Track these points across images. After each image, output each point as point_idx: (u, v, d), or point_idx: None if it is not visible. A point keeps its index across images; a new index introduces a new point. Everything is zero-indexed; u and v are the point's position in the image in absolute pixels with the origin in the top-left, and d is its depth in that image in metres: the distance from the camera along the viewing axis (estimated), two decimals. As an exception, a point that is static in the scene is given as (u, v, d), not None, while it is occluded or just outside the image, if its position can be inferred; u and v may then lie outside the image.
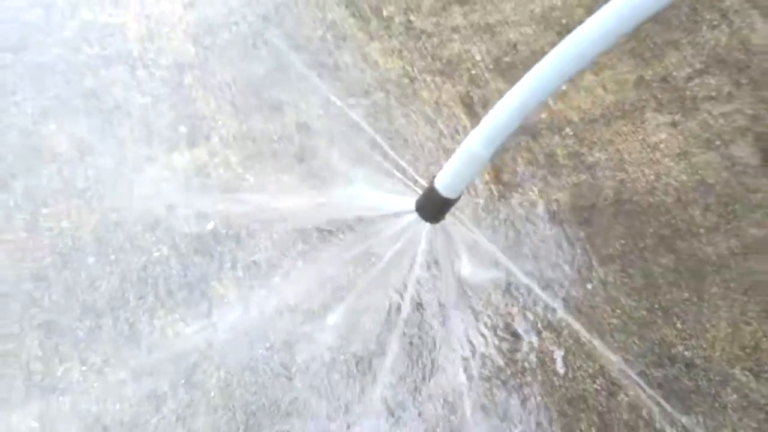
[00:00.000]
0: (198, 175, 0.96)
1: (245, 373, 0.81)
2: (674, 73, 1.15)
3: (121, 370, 0.80)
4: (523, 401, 0.83)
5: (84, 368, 0.80)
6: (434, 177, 0.66)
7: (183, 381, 0.80)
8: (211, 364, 0.81)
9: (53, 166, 0.94)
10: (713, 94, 1.13)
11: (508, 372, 0.84)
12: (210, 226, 0.91)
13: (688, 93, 1.13)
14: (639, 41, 1.18)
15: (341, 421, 0.80)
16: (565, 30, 1.10)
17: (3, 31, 1.06)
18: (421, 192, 0.70)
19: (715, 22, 1.21)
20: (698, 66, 1.16)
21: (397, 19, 1.16)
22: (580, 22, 0.57)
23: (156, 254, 0.88)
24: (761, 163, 1.06)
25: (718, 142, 1.08)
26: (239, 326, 0.84)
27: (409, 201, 0.71)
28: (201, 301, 0.86)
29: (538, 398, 0.83)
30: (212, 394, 0.80)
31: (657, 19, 1.22)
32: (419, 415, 0.81)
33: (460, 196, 0.67)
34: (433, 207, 0.68)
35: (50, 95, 1.00)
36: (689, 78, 1.15)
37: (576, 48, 0.58)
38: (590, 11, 0.56)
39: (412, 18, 1.16)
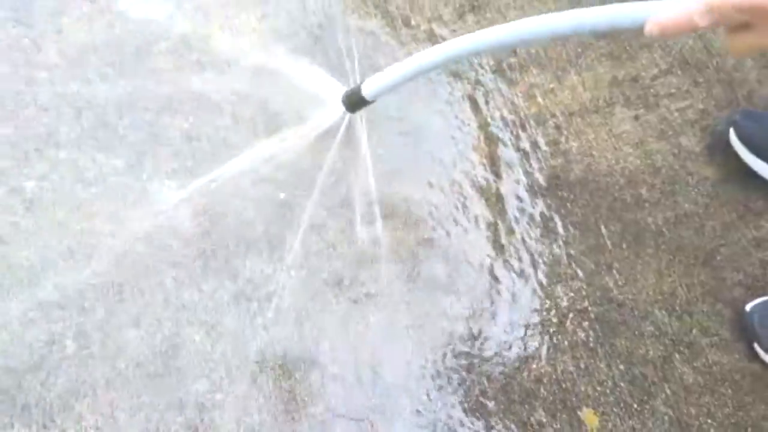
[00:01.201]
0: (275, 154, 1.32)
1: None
2: (643, 73, 1.43)
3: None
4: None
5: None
6: (364, 80, 0.93)
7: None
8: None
9: (169, 149, 1.32)
10: (673, 91, 1.42)
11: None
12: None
13: (652, 90, 1.42)
14: (617, 44, 1.46)
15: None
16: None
17: (128, 41, 1.41)
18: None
19: (685, 27, 1.48)
20: (664, 66, 1.44)
21: (422, 27, 1.46)
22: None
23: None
24: (701, 150, 1.36)
25: (670, 133, 1.38)
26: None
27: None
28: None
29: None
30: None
31: (637, 23, 1.49)
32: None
33: (374, 101, 0.95)
34: (352, 102, 0.98)
35: (164, 95, 1.36)
36: (655, 77, 1.43)
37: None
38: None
39: (434, 26, 1.46)
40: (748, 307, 1.21)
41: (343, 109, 1.03)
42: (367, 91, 0.94)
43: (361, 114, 1.10)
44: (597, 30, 0.67)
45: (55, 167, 1.26)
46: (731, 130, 1.32)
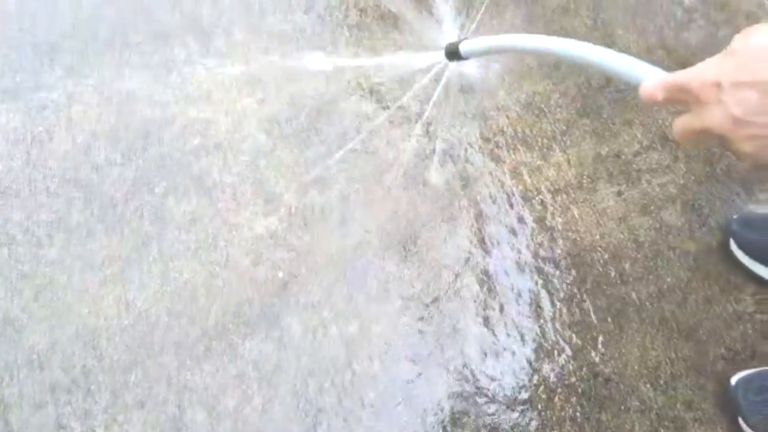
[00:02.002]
0: (272, 237, 1.39)
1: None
2: (625, 149, 1.50)
3: None
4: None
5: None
6: (464, 40, 1.08)
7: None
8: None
9: (176, 229, 1.39)
10: (654, 166, 1.48)
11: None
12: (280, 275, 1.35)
13: (634, 166, 1.48)
14: (601, 122, 1.53)
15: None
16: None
17: (135, 127, 1.49)
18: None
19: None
20: (645, 143, 1.51)
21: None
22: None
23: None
24: (683, 224, 1.42)
25: (652, 208, 1.44)
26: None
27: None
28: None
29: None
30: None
31: (617, 100, 1.57)
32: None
33: (468, 58, 1.09)
34: (452, 53, 1.10)
35: (170, 179, 1.44)
36: (637, 153, 1.50)
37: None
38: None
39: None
40: (732, 381, 1.25)
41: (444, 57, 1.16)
42: (463, 48, 1.08)
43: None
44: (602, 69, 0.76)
45: (65, 252, 1.33)
46: (731, 241, 1.37)
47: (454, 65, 1.19)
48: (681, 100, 0.62)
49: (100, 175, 1.42)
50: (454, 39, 1.16)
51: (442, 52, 1.13)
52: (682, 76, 0.61)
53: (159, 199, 1.40)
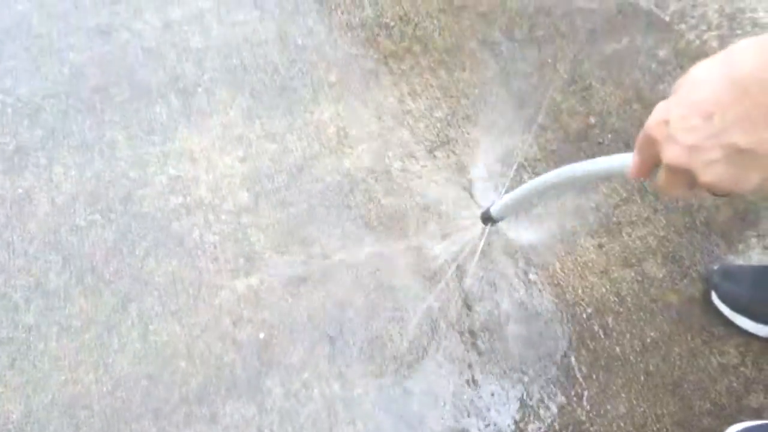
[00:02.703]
0: (254, 297, 1.38)
1: None
2: (605, 202, 1.51)
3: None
4: None
5: None
6: (493, 204, 1.22)
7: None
8: None
9: (155, 291, 1.37)
10: (634, 218, 1.49)
11: None
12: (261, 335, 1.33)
13: (614, 219, 1.49)
14: (580, 175, 1.55)
15: None
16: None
17: (116, 187, 1.49)
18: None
19: (643, 156, 1.57)
20: (624, 195, 1.52)
21: (395, 165, 1.55)
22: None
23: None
24: (664, 276, 1.42)
25: (633, 260, 1.44)
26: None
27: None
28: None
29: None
30: None
31: (595, 153, 1.59)
32: None
33: (502, 219, 1.23)
34: (487, 219, 1.24)
35: (150, 239, 1.43)
36: (617, 206, 1.51)
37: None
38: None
39: (407, 163, 1.55)
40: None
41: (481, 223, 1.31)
42: (494, 211, 1.22)
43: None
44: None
45: (42, 317, 1.31)
46: (713, 293, 1.37)
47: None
48: (652, 154, 0.65)
49: (79, 237, 1.41)
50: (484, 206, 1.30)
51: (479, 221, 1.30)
52: (641, 132, 0.65)
53: (139, 260, 1.39)
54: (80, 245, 1.40)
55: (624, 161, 0.74)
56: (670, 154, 0.61)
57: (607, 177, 0.82)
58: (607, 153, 1.55)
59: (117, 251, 1.40)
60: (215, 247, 1.43)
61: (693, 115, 0.58)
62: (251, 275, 1.40)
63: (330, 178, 1.53)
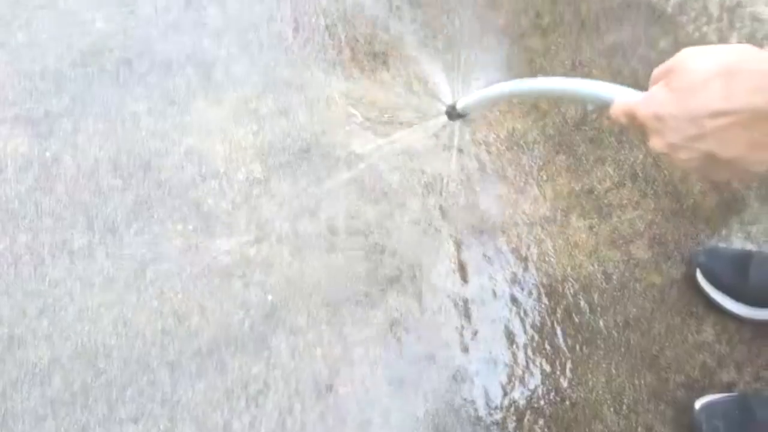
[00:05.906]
0: (264, 262, 1.47)
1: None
2: (598, 186, 1.59)
3: None
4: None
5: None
6: (459, 100, 1.31)
7: None
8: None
9: (173, 252, 1.47)
10: (624, 202, 1.57)
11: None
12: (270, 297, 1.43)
13: (605, 202, 1.57)
14: (576, 158, 1.63)
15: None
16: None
17: (137, 155, 1.58)
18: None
19: (636, 143, 1.65)
20: (617, 179, 1.60)
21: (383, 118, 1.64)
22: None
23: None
24: (649, 258, 1.51)
25: (621, 242, 1.53)
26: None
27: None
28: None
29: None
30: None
31: (592, 138, 1.67)
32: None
33: (466, 114, 1.34)
34: (453, 114, 1.35)
35: (168, 205, 1.52)
36: (608, 190, 1.59)
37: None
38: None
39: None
40: (697, 405, 1.31)
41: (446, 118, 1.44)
42: (460, 106, 1.30)
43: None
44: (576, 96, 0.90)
45: (67, 273, 1.41)
46: (697, 271, 1.45)
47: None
48: (635, 124, 0.74)
49: (102, 200, 1.51)
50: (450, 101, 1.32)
51: (445, 116, 1.38)
52: (634, 105, 0.74)
53: (157, 224, 1.49)
54: (103, 207, 1.50)
55: (610, 95, 0.79)
56: (655, 144, 0.71)
57: (586, 101, 0.89)
58: (604, 138, 1.64)
59: (137, 215, 1.50)
60: (228, 214, 1.52)
61: (683, 118, 0.66)
62: (262, 242, 1.49)
63: (340, 151, 1.62)
